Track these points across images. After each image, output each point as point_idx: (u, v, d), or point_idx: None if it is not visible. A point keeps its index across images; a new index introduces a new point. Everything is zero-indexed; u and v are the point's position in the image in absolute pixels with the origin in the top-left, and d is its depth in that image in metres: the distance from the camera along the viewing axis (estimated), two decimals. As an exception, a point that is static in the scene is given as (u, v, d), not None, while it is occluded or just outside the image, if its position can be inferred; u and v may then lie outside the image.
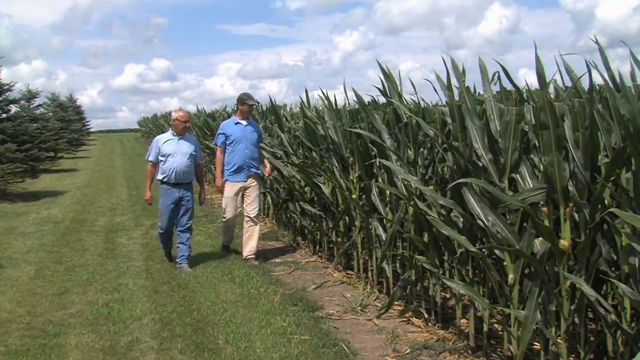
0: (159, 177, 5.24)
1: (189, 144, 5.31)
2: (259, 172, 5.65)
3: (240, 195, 5.56)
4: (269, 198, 7.69)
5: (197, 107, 15.86)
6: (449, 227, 3.26)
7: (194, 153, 5.31)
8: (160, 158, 5.22)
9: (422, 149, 3.96)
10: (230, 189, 5.52)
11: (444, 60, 3.32)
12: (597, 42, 2.53)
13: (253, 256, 5.56)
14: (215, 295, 4.53)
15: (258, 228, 5.61)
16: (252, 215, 5.54)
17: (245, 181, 5.52)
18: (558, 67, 3.03)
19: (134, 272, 5.26)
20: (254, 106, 5.95)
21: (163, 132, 5.83)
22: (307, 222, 6.12)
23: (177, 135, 5.28)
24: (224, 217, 5.65)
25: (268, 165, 5.85)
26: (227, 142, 5.52)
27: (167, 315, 4.05)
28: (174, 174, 5.17)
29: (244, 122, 5.58)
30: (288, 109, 8.63)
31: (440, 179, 3.80)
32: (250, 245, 5.55)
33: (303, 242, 6.43)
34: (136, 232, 7.19)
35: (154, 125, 28.80)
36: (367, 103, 4.97)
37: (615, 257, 2.55)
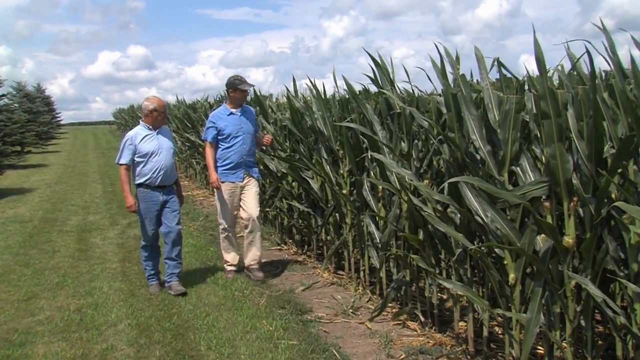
0: (139, 180, 4.60)
1: (168, 138, 4.76)
2: (258, 173, 5.16)
3: (237, 197, 5.00)
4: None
5: (177, 97, 15.73)
6: (446, 224, 3.23)
7: (174, 147, 4.83)
8: (139, 159, 4.56)
9: (416, 141, 3.93)
10: (225, 189, 4.95)
11: (437, 47, 3.28)
12: (601, 26, 2.49)
13: (256, 266, 5.00)
14: (196, 298, 4.48)
15: (260, 233, 5.02)
16: (253, 217, 4.94)
17: (242, 181, 4.99)
18: (568, 52, 3.00)
19: (109, 275, 5.20)
20: (248, 92, 5.23)
21: (133, 127, 5.16)
22: (295, 220, 6.07)
23: (154, 129, 4.65)
24: (221, 225, 5.06)
25: (267, 135, 5.41)
26: (220, 137, 4.94)
27: (145, 321, 4.01)
28: (160, 175, 4.58)
29: (238, 112, 5.00)
30: (274, 99, 8.58)
31: (436, 173, 3.78)
32: (252, 253, 4.99)
33: (290, 240, 6.39)
34: (111, 232, 7.11)
35: (131, 117, 28.53)
36: (358, 92, 4.94)
37: (623, 255, 2.54)
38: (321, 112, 5.04)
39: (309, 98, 5.80)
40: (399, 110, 3.91)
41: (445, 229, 3.21)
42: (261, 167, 6.74)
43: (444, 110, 3.39)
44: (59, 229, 7.36)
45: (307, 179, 5.39)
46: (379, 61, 4.12)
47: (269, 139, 5.32)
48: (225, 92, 5.12)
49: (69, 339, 3.73)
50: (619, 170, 2.50)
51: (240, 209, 5.01)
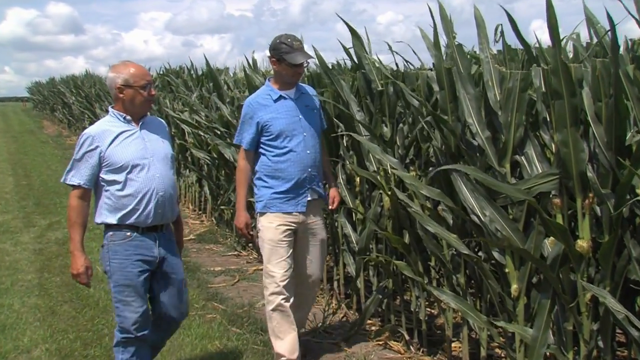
0: (111, 218, 2.97)
1: (162, 136, 3.17)
2: (324, 194, 3.78)
3: (293, 238, 3.62)
4: (206, 189, 7.59)
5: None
6: (436, 224, 3.23)
7: (172, 152, 3.23)
8: (109, 177, 2.96)
9: (401, 125, 3.92)
10: (276, 225, 3.54)
11: (430, 12, 3.25)
12: None
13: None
14: (133, 316, 4.37)
15: (312, 300, 3.94)
16: (314, 277, 3.74)
17: (304, 212, 3.60)
18: (589, 14, 2.97)
19: (22, 289, 5.10)
20: (306, 66, 3.79)
21: (95, 121, 3.52)
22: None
23: (134, 121, 3.06)
24: (269, 288, 3.52)
25: (334, 187, 3.91)
26: (265, 137, 3.55)
27: (68, 345, 3.93)
28: (152, 207, 2.98)
29: (291, 94, 3.62)
30: (231, 74, 8.51)
31: (425, 163, 3.77)
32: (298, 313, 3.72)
33: (250, 245, 6.33)
34: (26, 235, 7.00)
35: (51, 93, 27.83)
36: (331, 66, 4.88)
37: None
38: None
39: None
40: (380, 88, 3.87)
41: (435, 229, 3.21)
42: (215, 155, 6.63)
43: (436, 88, 3.37)
44: (-43, 232, 7.16)
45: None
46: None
47: (337, 199, 3.85)
48: (269, 60, 3.69)
49: (-31, 370, 3.60)
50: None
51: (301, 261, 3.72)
